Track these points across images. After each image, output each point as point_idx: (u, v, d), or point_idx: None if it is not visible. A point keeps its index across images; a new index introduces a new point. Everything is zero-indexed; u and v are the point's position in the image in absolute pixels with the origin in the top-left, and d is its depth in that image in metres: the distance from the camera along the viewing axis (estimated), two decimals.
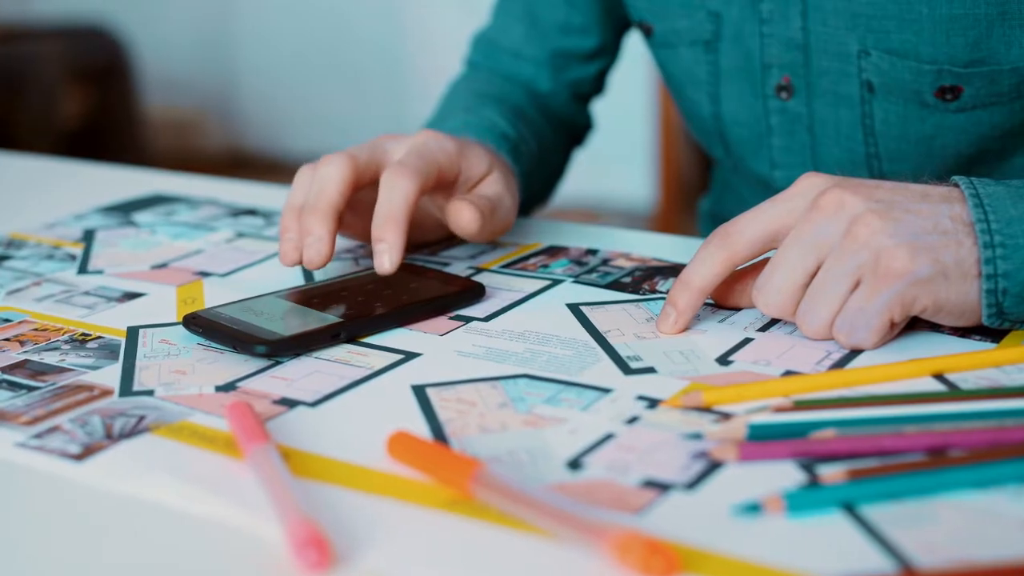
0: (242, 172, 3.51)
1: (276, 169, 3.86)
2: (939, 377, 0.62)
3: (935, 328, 0.68)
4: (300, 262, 0.75)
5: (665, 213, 3.17)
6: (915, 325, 0.68)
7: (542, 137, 0.99)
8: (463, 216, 0.77)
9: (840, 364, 0.64)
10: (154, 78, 3.78)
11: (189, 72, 4.05)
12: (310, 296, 0.74)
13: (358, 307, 0.72)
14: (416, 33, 3.72)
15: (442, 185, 0.79)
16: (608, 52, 1.06)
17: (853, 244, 0.64)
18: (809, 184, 0.67)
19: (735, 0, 0.89)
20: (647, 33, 0.97)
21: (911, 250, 0.63)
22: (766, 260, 0.69)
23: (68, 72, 3.20)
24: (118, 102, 3.35)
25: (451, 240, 0.88)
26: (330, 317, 0.70)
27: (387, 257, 0.73)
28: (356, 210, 0.80)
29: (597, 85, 1.08)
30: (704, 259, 0.68)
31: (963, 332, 0.68)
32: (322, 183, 0.75)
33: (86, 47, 3.30)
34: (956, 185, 0.67)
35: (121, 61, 3.35)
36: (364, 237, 0.83)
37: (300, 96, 3.98)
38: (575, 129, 1.09)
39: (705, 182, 3.18)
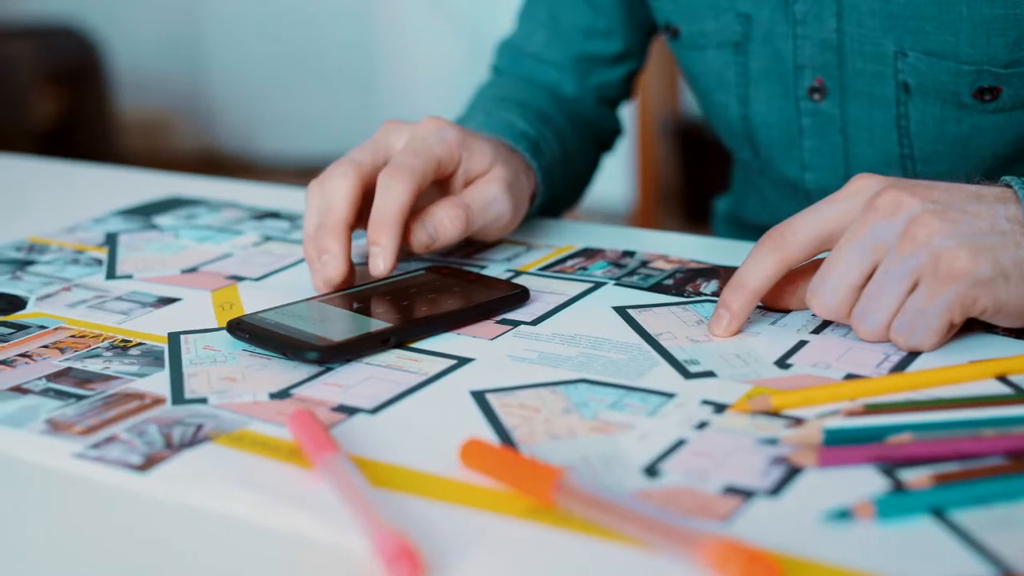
0: (214, 173, 3.48)
1: (248, 170, 3.83)
2: (1002, 379, 0.62)
3: (988, 329, 0.68)
4: (334, 287, 0.76)
5: (643, 212, 3.17)
6: (969, 326, 0.68)
7: (565, 140, 0.98)
8: (411, 239, 0.78)
9: (900, 366, 0.64)
10: (125, 79, 3.74)
11: (160, 73, 4.01)
12: (353, 301, 0.73)
13: (404, 312, 0.71)
14: (388, 33, 3.70)
15: (441, 176, 0.79)
16: (634, 56, 1.05)
17: (911, 245, 0.63)
18: (863, 185, 0.67)
19: (766, 1, 0.88)
20: (674, 35, 0.96)
21: (971, 251, 0.62)
22: (816, 262, 0.69)
23: (40, 73, 3.16)
24: (90, 103, 3.32)
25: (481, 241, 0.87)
26: (378, 322, 0.69)
27: (381, 260, 0.74)
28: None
29: (625, 89, 1.08)
30: (757, 260, 0.68)
31: (1017, 332, 0.67)
32: (330, 200, 0.76)
33: (58, 47, 3.26)
34: (1008, 186, 0.66)
35: (93, 62, 3.31)
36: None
37: (272, 97, 3.94)
38: (603, 134, 1.08)
39: (683, 181, 3.16)
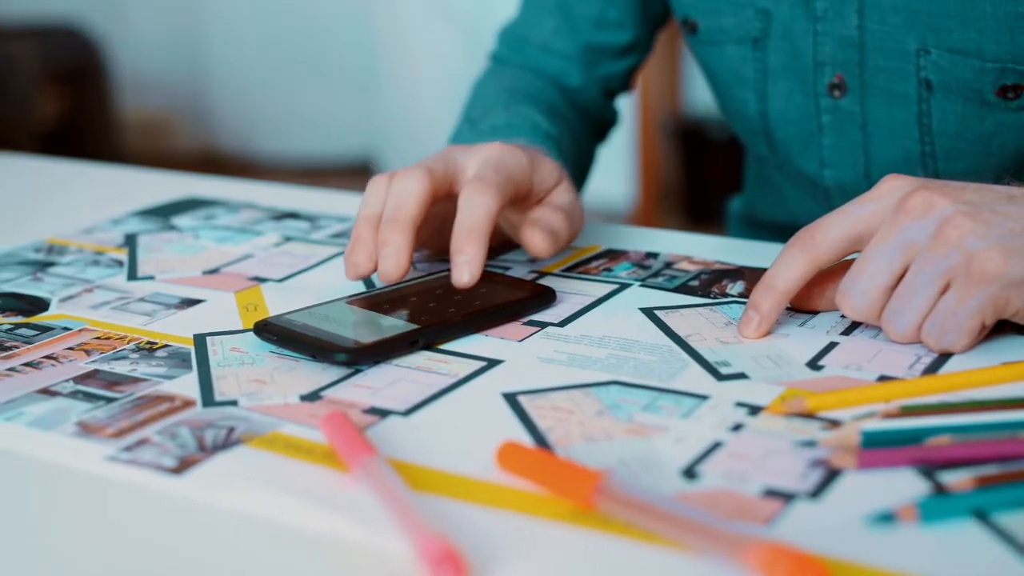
0: (215, 173, 3.47)
1: (249, 170, 3.83)
2: None
3: (1020, 331, 0.67)
4: (370, 273, 0.74)
5: (644, 211, 3.17)
6: (1000, 328, 0.67)
7: (575, 133, 0.98)
8: (536, 242, 0.76)
9: (932, 368, 0.64)
10: (126, 79, 3.74)
11: (161, 73, 4.00)
12: (380, 302, 0.73)
13: (431, 313, 0.71)
14: (388, 33, 3.69)
15: (516, 199, 0.78)
16: (640, 48, 1.05)
17: (943, 246, 0.63)
18: (893, 185, 0.66)
19: None
20: (692, 30, 0.96)
21: (1004, 252, 0.62)
22: (846, 263, 0.69)
23: (42, 73, 3.15)
24: (92, 103, 3.31)
25: (508, 245, 0.86)
26: (406, 324, 0.69)
27: (467, 270, 0.71)
28: (427, 224, 0.78)
29: (626, 81, 1.07)
30: (787, 262, 0.67)
31: None
32: (401, 196, 0.73)
33: (60, 48, 3.25)
34: None
35: (95, 62, 3.31)
36: (434, 250, 0.83)
37: (272, 97, 3.94)
38: (601, 124, 1.08)
39: (684, 180, 3.15)
